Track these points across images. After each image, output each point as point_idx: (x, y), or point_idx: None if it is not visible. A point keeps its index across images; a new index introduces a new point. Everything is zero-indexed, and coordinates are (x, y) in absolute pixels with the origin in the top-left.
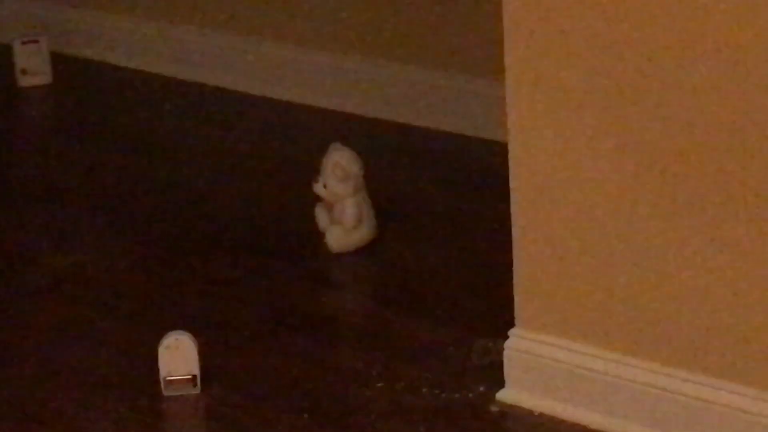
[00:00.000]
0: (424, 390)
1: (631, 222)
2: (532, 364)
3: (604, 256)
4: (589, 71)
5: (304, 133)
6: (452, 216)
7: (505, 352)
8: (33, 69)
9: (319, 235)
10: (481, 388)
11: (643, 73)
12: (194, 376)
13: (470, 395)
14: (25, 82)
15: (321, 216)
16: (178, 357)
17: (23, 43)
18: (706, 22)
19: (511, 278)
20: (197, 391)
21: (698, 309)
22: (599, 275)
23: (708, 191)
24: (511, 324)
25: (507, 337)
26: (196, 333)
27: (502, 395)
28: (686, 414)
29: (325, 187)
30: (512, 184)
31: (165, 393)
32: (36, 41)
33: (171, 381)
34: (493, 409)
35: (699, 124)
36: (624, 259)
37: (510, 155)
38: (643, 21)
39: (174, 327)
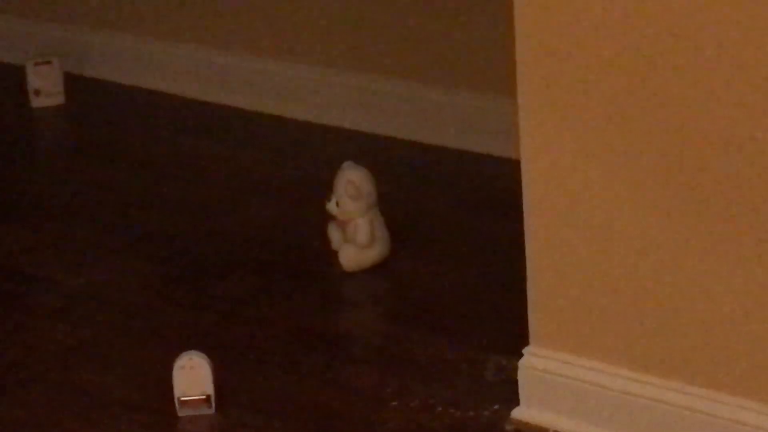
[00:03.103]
0: (438, 409)
1: (646, 239)
2: (547, 381)
3: (618, 273)
4: (601, 88)
5: (317, 151)
6: (465, 234)
7: (520, 370)
8: (46, 90)
9: (332, 254)
10: (496, 406)
11: (657, 88)
12: (209, 397)
13: (485, 413)
14: (38, 103)
15: (334, 235)
16: (192, 377)
17: (36, 64)
18: (726, 37)
19: (525, 296)
20: (212, 411)
21: (715, 326)
22: (613, 292)
23: (727, 208)
24: (525, 341)
25: (521, 355)
26: (210, 353)
27: (516, 413)
28: (702, 431)
29: (337, 205)
30: (525, 201)
31: (179, 413)
32: (49, 62)
33: (185, 401)
34: (508, 427)
35: (715, 141)
36: (638, 277)
37: (522, 172)
38: (656, 37)
39: (188, 347)
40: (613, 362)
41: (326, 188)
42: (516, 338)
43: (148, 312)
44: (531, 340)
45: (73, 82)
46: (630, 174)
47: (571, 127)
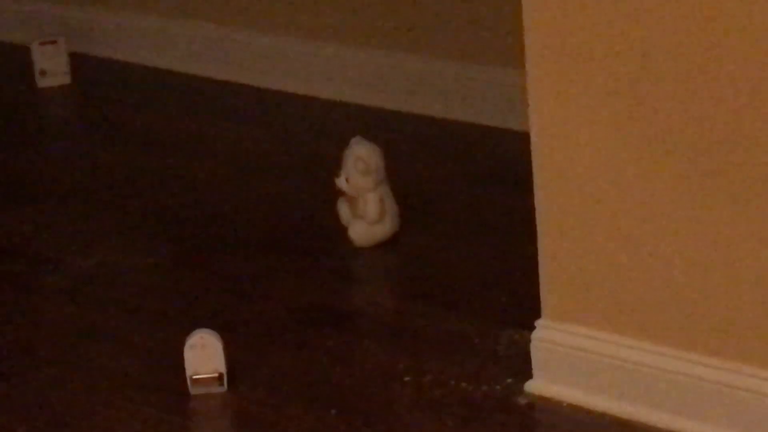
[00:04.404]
0: (451, 383)
1: (657, 210)
2: (559, 354)
3: (629, 244)
4: (612, 59)
5: (326, 127)
6: (475, 207)
7: (532, 343)
8: (51, 70)
9: (341, 230)
10: (509, 380)
11: (668, 60)
12: (220, 374)
13: (498, 387)
14: (43, 83)
15: (343, 210)
16: (203, 355)
17: (41, 44)
18: (735, 16)
19: (536, 269)
20: (224, 389)
21: (727, 296)
22: (624, 264)
23: (735, 179)
24: (537, 315)
25: (533, 328)
26: (221, 331)
27: (529, 386)
28: (716, 402)
29: (347, 181)
30: (535, 174)
31: (192, 392)
32: (54, 42)
33: (197, 380)
34: (521, 400)
35: (725, 114)
36: (650, 248)
37: (532, 145)
38: (669, 9)
39: (199, 325)
40: (624, 333)
41: (335, 164)
42: (528, 311)
43: (158, 291)
44: (543, 313)
45: (78, 62)
46: (641, 145)
47: (581, 98)
